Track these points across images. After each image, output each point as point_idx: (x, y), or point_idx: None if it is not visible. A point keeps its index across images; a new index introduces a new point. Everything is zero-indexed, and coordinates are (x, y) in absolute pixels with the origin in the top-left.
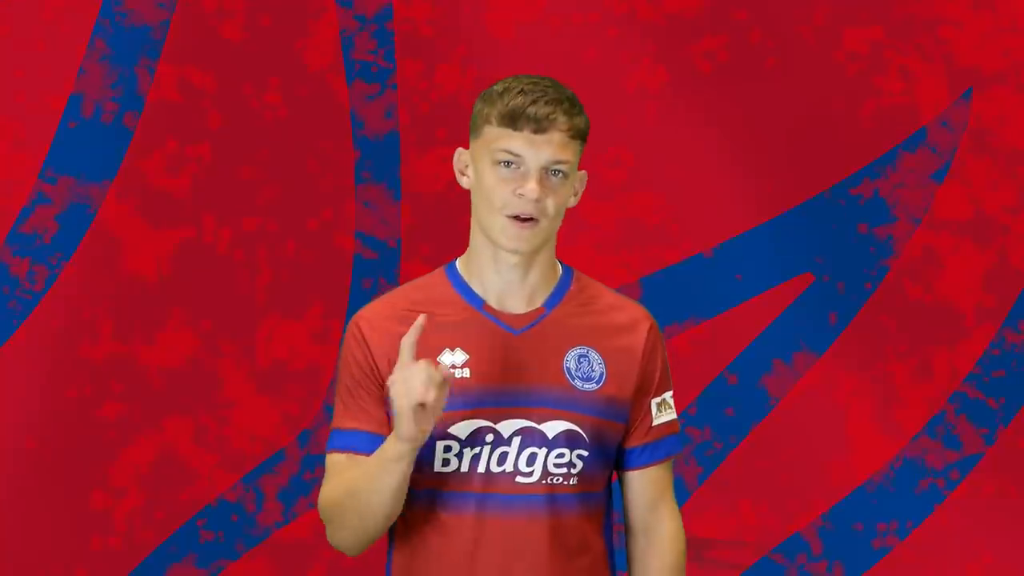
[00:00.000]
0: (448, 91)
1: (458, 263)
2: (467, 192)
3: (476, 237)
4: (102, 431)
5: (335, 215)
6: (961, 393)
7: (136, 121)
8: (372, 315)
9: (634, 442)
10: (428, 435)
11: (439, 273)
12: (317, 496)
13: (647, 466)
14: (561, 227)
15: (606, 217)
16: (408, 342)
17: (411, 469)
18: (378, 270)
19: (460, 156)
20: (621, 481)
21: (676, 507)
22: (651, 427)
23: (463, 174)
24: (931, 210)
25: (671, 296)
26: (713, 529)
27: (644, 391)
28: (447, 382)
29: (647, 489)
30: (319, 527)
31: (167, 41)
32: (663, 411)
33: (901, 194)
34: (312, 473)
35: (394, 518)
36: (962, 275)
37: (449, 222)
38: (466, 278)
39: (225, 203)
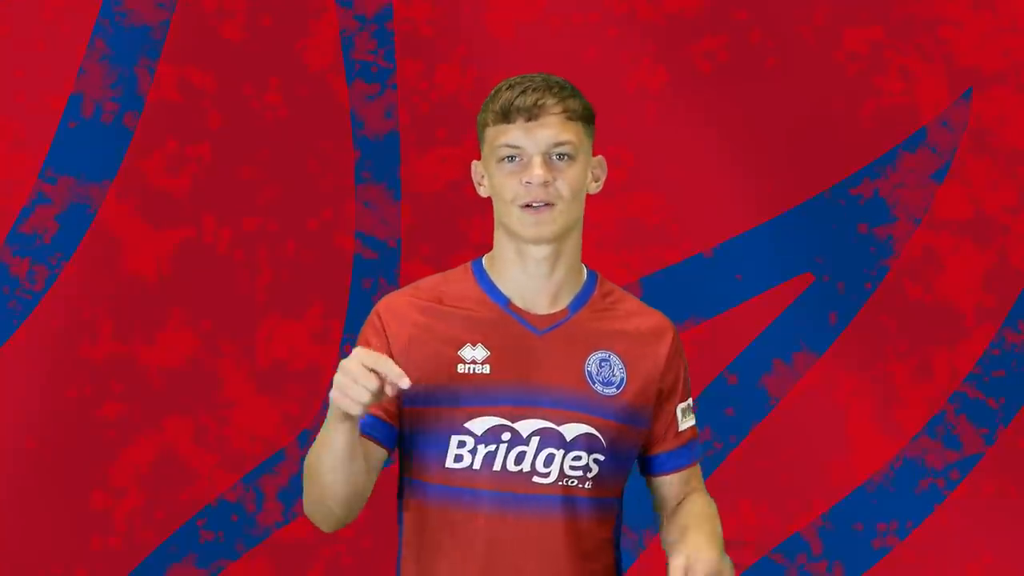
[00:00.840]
0: (448, 91)
1: (484, 261)
2: (468, 192)
3: (500, 239)
4: (102, 431)
5: (335, 215)
6: (961, 393)
7: (136, 121)
8: (395, 304)
9: (662, 448)
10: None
11: (465, 269)
12: None
13: (677, 471)
14: None
15: (606, 217)
16: (373, 357)
17: (356, 432)
18: (378, 270)
19: (475, 168)
20: (651, 486)
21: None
22: (678, 432)
23: (480, 184)
24: (931, 210)
25: (671, 296)
26: None
27: (669, 398)
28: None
29: (679, 491)
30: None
31: (167, 41)
32: (687, 417)
33: (901, 194)
34: None
35: (353, 494)
36: (962, 275)
37: (449, 222)
38: (492, 276)
39: (225, 203)
